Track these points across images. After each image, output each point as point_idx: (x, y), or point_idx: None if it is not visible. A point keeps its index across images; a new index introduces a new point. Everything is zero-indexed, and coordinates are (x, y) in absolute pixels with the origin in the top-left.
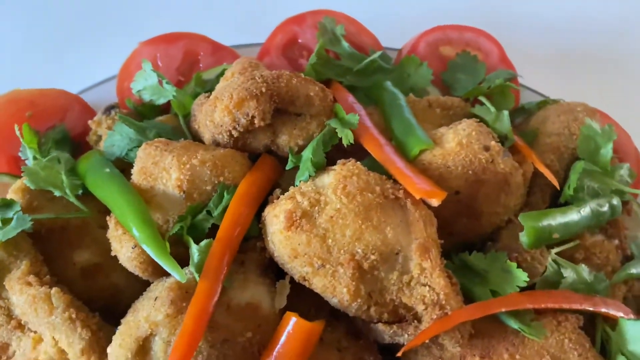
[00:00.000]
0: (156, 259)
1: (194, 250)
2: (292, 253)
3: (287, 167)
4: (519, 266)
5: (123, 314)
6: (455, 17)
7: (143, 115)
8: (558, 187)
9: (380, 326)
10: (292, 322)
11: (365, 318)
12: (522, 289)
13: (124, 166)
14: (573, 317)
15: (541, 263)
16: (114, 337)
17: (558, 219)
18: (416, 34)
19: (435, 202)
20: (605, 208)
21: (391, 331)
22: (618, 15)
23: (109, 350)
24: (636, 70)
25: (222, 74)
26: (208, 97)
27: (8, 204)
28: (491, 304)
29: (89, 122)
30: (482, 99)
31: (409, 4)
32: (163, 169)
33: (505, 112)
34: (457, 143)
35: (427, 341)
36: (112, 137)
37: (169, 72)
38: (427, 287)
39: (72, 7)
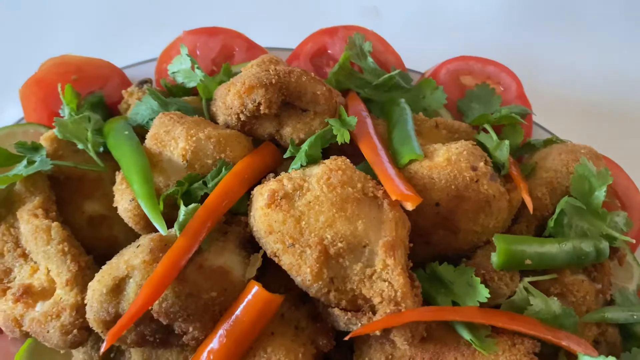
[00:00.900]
0: (146, 212)
1: (182, 210)
2: (268, 229)
3: (285, 156)
4: (484, 284)
5: None
6: (488, 55)
7: (173, 95)
8: (531, 211)
9: (336, 311)
10: (254, 290)
11: (324, 301)
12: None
13: (143, 133)
14: (530, 342)
15: (508, 285)
16: (96, 274)
17: (534, 247)
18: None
19: (409, 206)
20: (590, 249)
21: (346, 318)
22: None
23: (89, 284)
24: None
25: None
26: None
27: (36, 148)
28: (445, 310)
29: (123, 91)
30: (487, 126)
31: (445, 36)
32: (172, 138)
33: (506, 142)
34: (446, 158)
35: (381, 338)
36: (139, 106)
37: (205, 61)
38: (387, 283)
39: None
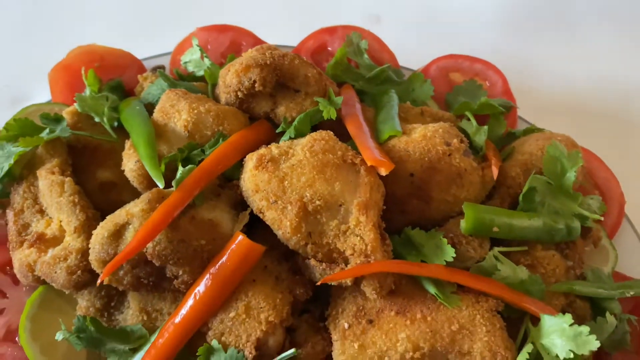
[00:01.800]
0: (147, 169)
1: (180, 170)
2: (254, 188)
3: (277, 130)
4: (452, 246)
5: None
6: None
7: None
8: (494, 178)
9: (312, 262)
10: (239, 239)
11: (302, 253)
12: None
13: (153, 110)
14: (493, 300)
15: (475, 250)
16: (100, 223)
17: (502, 218)
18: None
19: (383, 171)
20: (561, 226)
21: (321, 268)
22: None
23: (94, 231)
24: None
25: None
26: None
27: (58, 119)
28: (412, 265)
29: (138, 76)
30: (468, 114)
31: (441, 42)
32: (176, 111)
33: (485, 127)
34: (422, 135)
35: (354, 291)
36: (151, 87)
37: (215, 54)
38: (359, 238)
39: None
